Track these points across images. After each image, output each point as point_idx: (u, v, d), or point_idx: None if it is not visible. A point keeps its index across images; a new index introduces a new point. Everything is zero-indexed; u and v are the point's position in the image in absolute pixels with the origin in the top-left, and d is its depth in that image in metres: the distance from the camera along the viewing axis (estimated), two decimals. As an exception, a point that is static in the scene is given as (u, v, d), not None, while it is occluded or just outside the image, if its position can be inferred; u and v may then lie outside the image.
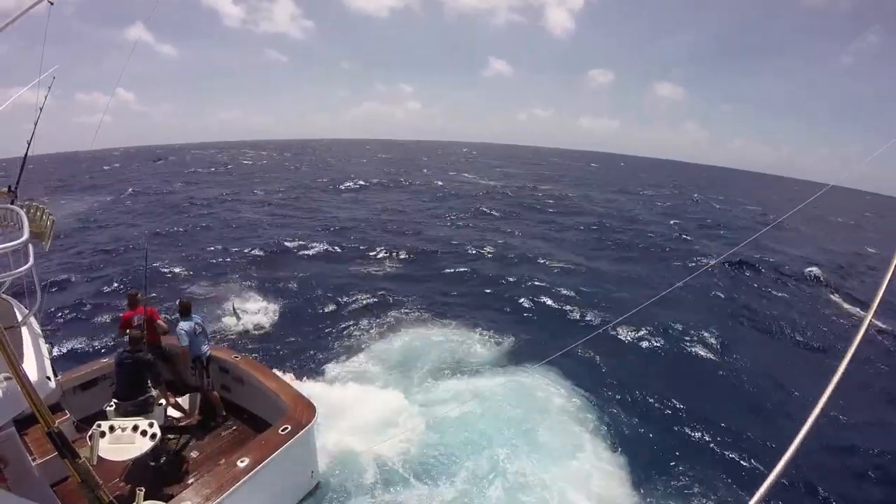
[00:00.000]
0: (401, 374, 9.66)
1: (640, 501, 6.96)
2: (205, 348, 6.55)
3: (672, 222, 29.83)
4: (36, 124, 5.16)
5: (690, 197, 47.61)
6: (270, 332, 11.87)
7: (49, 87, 5.19)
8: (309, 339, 11.43)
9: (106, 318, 12.12)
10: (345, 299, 13.90)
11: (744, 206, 46.90)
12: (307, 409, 5.89)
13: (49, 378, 3.80)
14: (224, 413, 6.67)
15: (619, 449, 7.95)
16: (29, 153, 5.29)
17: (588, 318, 13.26)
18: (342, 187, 39.84)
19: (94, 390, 6.57)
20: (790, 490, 7.40)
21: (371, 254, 19.02)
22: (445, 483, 6.82)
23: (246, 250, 18.82)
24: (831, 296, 17.66)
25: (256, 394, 6.64)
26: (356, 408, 8.40)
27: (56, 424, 3.07)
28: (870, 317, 1.79)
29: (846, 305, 16.83)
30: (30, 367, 3.66)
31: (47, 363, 3.93)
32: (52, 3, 4.66)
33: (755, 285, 17.65)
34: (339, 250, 19.51)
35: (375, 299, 13.88)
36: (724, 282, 17.28)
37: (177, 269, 16.19)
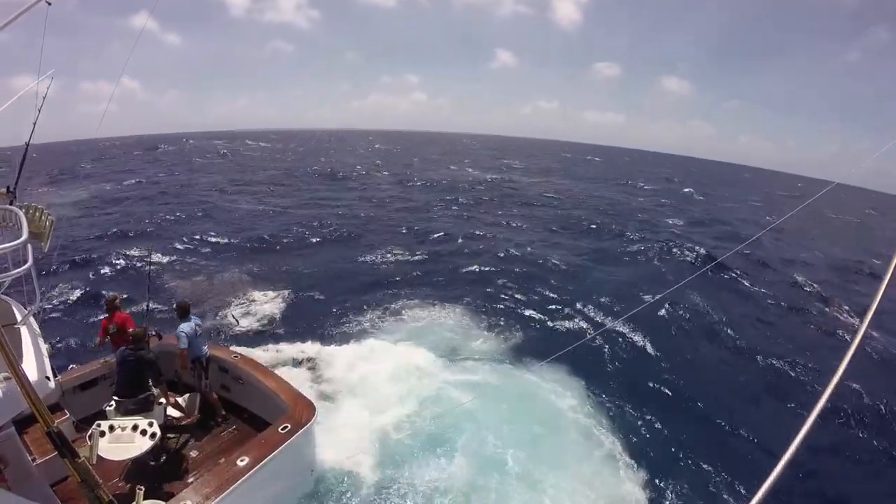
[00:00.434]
0: (403, 371, 9.64)
1: (639, 500, 6.98)
2: (204, 349, 6.55)
3: (671, 221, 29.82)
4: (35, 124, 5.16)
5: (689, 197, 47.53)
6: (270, 326, 11.88)
7: (48, 87, 5.19)
8: (309, 333, 11.43)
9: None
10: (346, 292, 13.98)
11: (746, 202, 46.78)
12: (307, 408, 5.90)
13: (48, 378, 3.81)
14: (224, 413, 6.68)
15: (621, 449, 7.95)
16: (32, 142, 5.28)
17: (580, 320, 13.24)
18: (342, 177, 39.98)
19: (94, 390, 6.57)
20: (790, 490, 7.41)
21: (371, 245, 19.13)
22: (447, 483, 6.82)
23: (245, 241, 18.99)
24: (830, 297, 17.64)
25: (256, 393, 6.65)
26: (357, 404, 8.42)
27: (56, 424, 3.07)
28: (869, 317, 1.79)
29: (846, 307, 16.82)
30: (29, 367, 3.66)
31: (47, 363, 3.93)
32: (49, 3, 4.65)
33: (748, 284, 17.61)
34: (339, 240, 19.64)
35: (376, 292, 13.96)
36: (717, 283, 17.19)
37: (177, 265, 16.25)
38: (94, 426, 4.89)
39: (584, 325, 12.93)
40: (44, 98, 5.08)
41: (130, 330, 6.44)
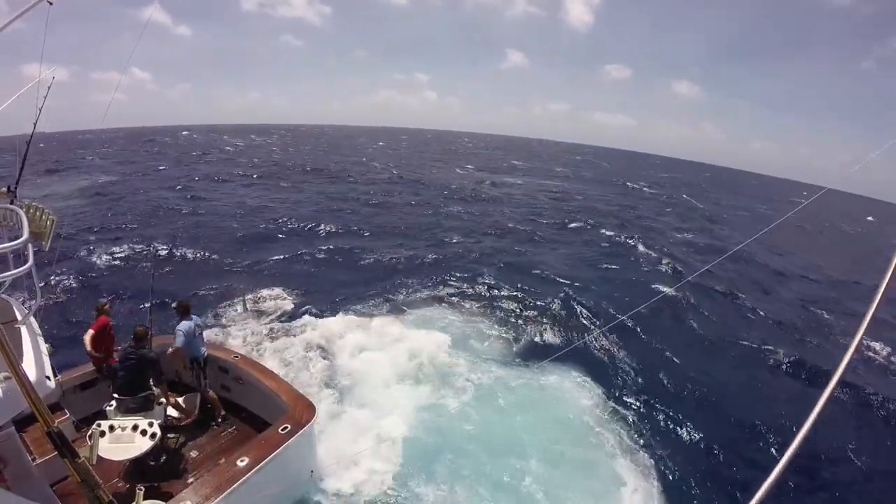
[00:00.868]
0: (408, 369, 9.63)
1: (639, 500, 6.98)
2: (203, 349, 6.55)
3: (673, 225, 29.83)
4: (35, 124, 5.16)
5: (691, 203, 47.46)
6: (276, 320, 11.90)
7: (49, 87, 5.19)
8: (314, 329, 11.49)
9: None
10: (352, 288, 14.07)
11: (750, 210, 46.66)
12: (307, 409, 5.89)
13: (49, 378, 3.81)
14: (223, 413, 6.68)
15: (620, 449, 7.96)
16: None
17: (580, 319, 13.25)
18: (351, 173, 39.99)
19: (94, 390, 6.57)
20: (789, 491, 7.41)
21: (379, 240, 19.19)
22: (449, 483, 6.81)
23: (251, 236, 19.07)
24: (825, 305, 17.67)
25: (256, 393, 6.64)
26: (360, 404, 8.42)
27: (56, 424, 3.07)
28: (868, 318, 1.79)
29: (845, 309, 16.85)
30: (29, 367, 3.66)
31: (47, 363, 3.93)
32: (51, 3, 4.65)
33: (736, 292, 17.58)
34: (344, 236, 19.69)
35: (382, 288, 14.06)
36: (704, 291, 17.12)
37: (181, 261, 16.30)
38: (94, 426, 4.89)
39: (583, 323, 12.96)
40: (45, 98, 5.09)
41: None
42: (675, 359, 11.55)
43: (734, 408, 9.80)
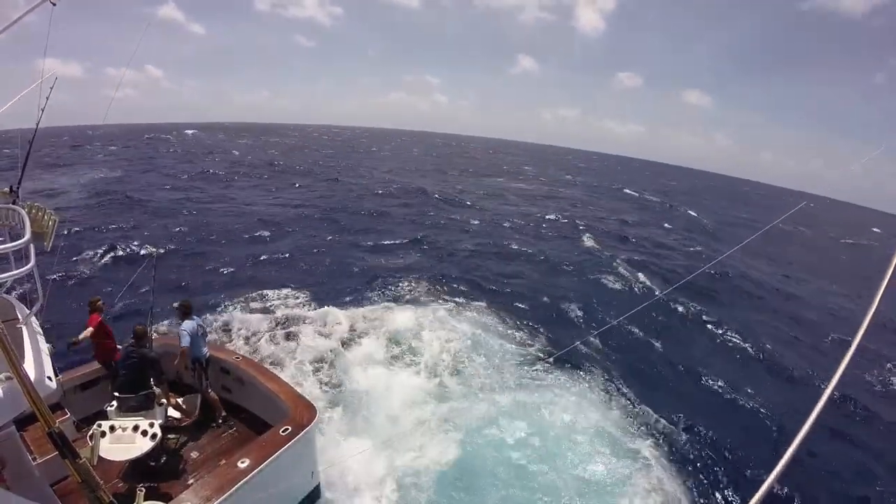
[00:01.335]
0: (411, 371, 9.65)
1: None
2: (204, 350, 6.55)
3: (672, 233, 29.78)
4: (38, 125, 5.17)
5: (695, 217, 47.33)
6: (276, 324, 11.90)
7: (51, 88, 5.20)
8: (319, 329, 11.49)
9: (108, 317, 12.17)
10: (365, 289, 14.16)
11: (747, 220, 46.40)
12: (308, 410, 5.88)
13: (50, 378, 3.80)
14: (224, 414, 6.67)
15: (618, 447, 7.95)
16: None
17: (579, 321, 13.25)
18: (356, 175, 40.00)
19: (95, 390, 6.57)
20: (790, 491, 7.40)
21: (389, 244, 19.16)
22: (450, 485, 6.80)
23: (254, 237, 19.07)
24: (819, 311, 17.65)
25: (257, 394, 6.63)
26: (360, 406, 8.42)
27: (57, 424, 3.07)
28: (868, 319, 1.79)
29: (837, 316, 16.82)
30: (30, 367, 3.65)
31: (48, 363, 3.93)
32: (54, 4, 4.67)
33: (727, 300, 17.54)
34: (353, 233, 19.68)
35: (393, 289, 14.07)
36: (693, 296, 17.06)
37: (181, 263, 16.30)
38: (94, 426, 4.88)
39: (582, 325, 12.96)
40: (47, 98, 5.09)
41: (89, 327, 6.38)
42: (674, 358, 11.55)
43: (734, 410, 9.80)
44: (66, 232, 18.05)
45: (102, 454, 4.69)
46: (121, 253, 17.50)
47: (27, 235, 3.69)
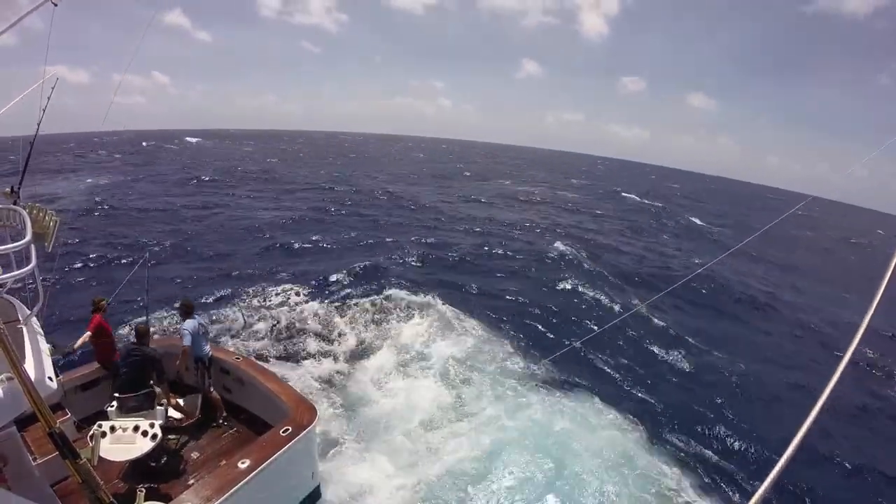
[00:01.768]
0: (413, 376, 9.61)
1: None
2: (207, 349, 6.56)
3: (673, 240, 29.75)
4: (39, 125, 5.18)
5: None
6: (284, 326, 11.93)
7: (53, 88, 5.21)
8: (318, 332, 11.48)
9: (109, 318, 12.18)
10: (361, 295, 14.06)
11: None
12: (308, 411, 5.88)
13: (51, 378, 3.80)
14: (225, 414, 6.67)
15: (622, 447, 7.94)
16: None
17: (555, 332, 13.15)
18: (359, 183, 39.93)
19: (95, 390, 6.57)
20: (789, 492, 7.39)
21: (388, 252, 19.17)
22: (451, 488, 6.79)
23: (256, 246, 19.07)
24: (818, 313, 17.61)
25: (257, 395, 6.63)
26: (361, 409, 8.42)
27: (57, 424, 3.07)
28: (867, 320, 1.79)
29: (836, 317, 16.79)
30: (31, 367, 3.65)
31: (49, 363, 3.93)
32: (55, 5, 4.68)
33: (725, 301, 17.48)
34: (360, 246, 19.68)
35: (395, 296, 13.98)
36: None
37: (182, 263, 16.31)
38: (95, 426, 4.88)
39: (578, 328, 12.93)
40: (48, 99, 5.10)
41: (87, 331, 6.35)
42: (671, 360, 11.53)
43: (735, 409, 9.79)
44: (66, 234, 18.05)
45: (103, 454, 4.69)
46: (120, 255, 17.53)
47: (28, 236, 3.69)
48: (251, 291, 13.87)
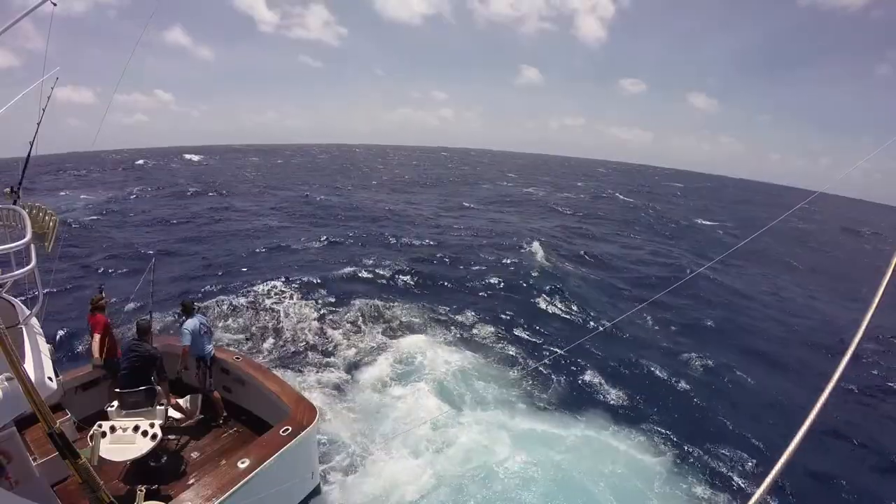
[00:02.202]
0: (412, 381, 9.57)
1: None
2: (209, 348, 6.56)
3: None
4: (39, 124, 5.17)
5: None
6: (281, 331, 11.90)
7: (52, 87, 5.20)
8: (319, 336, 11.45)
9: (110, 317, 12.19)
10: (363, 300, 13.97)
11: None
12: (308, 411, 5.88)
13: (50, 378, 3.80)
14: (225, 414, 6.68)
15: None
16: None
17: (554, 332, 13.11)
18: (365, 192, 39.82)
19: (95, 390, 6.58)
20: (789, 491, 7.39)
21: (389, 255, 19.13)
22: (452, 491, 6.78)
23: (257, 251, 19.04)
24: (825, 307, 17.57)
25: (257, 395, 6.64)
26: (361, 410, 8.42)
27: (57, 425, 3.07)
28: (868, 317, 1.79)
29: (843, 313, 16.77)
30: (31, 368, 3.65)
31: (48, 363, 3.93)
32: (55, 4, 4.67)
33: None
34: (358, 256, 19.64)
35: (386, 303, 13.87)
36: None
37: (182, 264, 16.29)
38: (95, 426, 4.88)
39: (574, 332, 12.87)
40: (48, 98, 5.09)
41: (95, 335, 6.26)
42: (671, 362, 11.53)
43: (733, 410, 9.79)
44: (66, 244, 18.01)
45: (103, 454, 4.69)
46: (121, 255, 17.55)
47: (28, 236, 3.69)
48: (250, 296, 13.83)
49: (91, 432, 4.75)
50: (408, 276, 16.59)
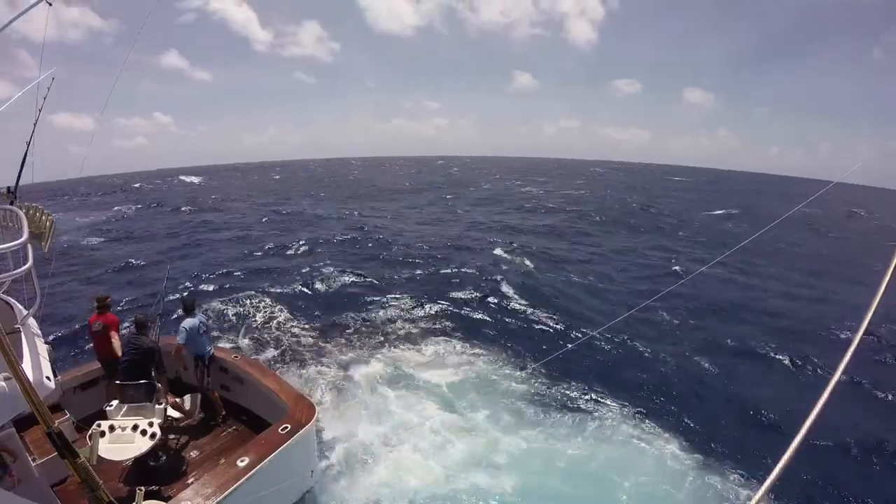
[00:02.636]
0: (413, 384, 9.53)
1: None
2: (208, 348, 6.55)
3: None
4: (35, 124, 5.14)
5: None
6: (286, 331, 11.93)
7: (49, 88, 5.17)
8: (319, 340, 11.46)
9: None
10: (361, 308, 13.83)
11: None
12: (307, 409, 5.89)
13: (49, 378, 3.79)
14: (224, 413, 6.68)
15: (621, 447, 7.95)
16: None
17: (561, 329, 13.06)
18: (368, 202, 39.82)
19: (94, 390, 6.58)
20: (788, 491, 7.40)
21: (388, 258, 19.06)
22: (452, 492, 6.77)
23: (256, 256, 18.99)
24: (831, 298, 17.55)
25: (256, 393, 6.64)
26: (361, 411, 8.42)
27: (56, 424, 3.06)
28: (869, 316, 1.78)
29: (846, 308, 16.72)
30: (29, 368, 3.65)
31: (47, 363, 3.92)
32: (50, 4, 4.65)
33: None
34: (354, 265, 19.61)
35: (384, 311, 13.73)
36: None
37: (184, 267, 16.25)
38: (94, 426, 4.88)
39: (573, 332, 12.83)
40: (44, 98, 5.07)
41: (112, 334, 6.29)
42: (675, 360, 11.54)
43: (733, 410, 9.81)
44: (65, 236, 17.99)
45: (102, 454, 4.68)
46: (121, 256, 17.52)
47: (24, 236, 3.67)
48: (248, 302, 13.79)
49: (90, 432, 4.75)
50: (405, 279, 16.57)
